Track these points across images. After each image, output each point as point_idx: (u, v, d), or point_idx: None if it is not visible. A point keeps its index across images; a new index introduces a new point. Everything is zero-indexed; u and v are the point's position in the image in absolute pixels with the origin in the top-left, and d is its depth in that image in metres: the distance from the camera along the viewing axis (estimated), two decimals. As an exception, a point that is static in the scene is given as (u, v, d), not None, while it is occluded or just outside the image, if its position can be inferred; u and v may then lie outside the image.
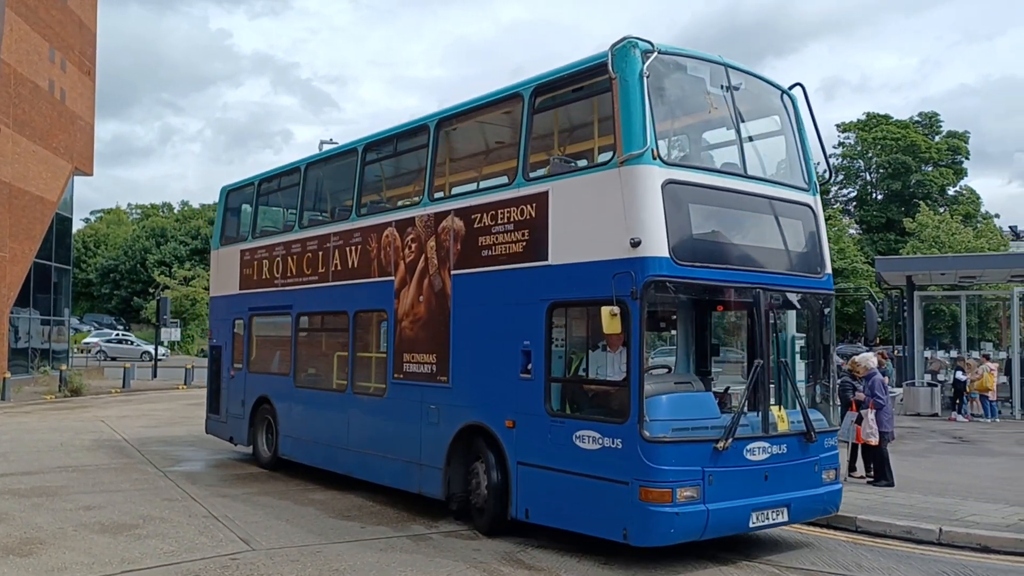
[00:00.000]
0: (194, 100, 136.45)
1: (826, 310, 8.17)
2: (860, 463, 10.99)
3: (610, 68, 7.07)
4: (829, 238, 9.67)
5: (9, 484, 10.60)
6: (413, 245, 9.39)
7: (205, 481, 11.26)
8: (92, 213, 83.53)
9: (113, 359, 41.48)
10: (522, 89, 8.16)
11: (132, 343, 46.80)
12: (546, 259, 7.66)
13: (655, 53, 7.08)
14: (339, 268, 10.74)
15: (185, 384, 29.55)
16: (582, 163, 8.21)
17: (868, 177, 54.15)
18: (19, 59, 24.27)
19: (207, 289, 53.53)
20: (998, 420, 19.04)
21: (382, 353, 9.93)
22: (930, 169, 52.46)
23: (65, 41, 27.14)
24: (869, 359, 10.93)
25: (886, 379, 11.77)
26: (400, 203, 9.94)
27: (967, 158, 54.21)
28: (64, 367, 27.58)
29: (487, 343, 8.31)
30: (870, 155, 54.31)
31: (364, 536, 8.27)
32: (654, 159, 6.94)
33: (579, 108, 8.30)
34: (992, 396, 19.17)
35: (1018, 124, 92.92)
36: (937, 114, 55.89)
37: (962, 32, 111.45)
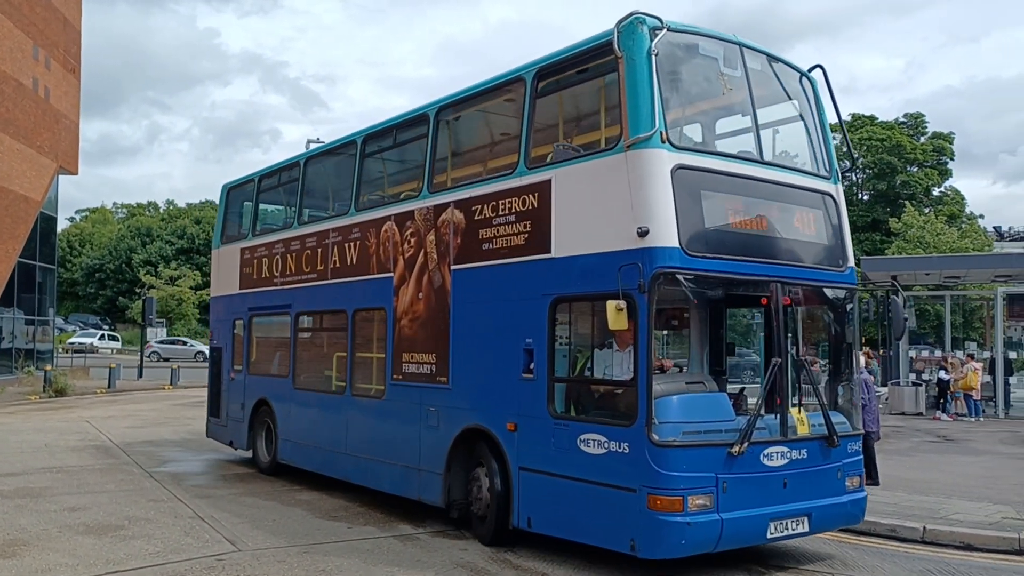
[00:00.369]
0: (182, 99, 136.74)
1: (848, 305, 7.66)
2: None
3: (616, 46, 6.62)
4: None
5: (-8, 485, 10.41)
6: (412, 240, 8.98)
7: (191, 482, 11.13)
8: (77, 212, 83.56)
9: (166, 360, 41.47)
10: (524, 73, 7.72)
11: (186, 343, 46.46)
12: (549, 251, 7.21)
13: (664, 30, 6.61)
14: (338, 265, 10.34)
15: (171, 384, 29.44)
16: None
17: (854, 178, 53.80)
18: (2, 57, 24.01)
19: (193, 289, 54.17)
20: (982, 419, 19.27)
21: (381, 353, 9.51)
22: (915, 170, 52.23)
23: (49, 39, 26.97)
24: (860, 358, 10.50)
25: (871, 378, 11.56)
26: (399, 196, 9.52)
27: (952, 159, 54.06)
28: (49, 367, 27.43)
29: (488, 342, 7.87)
30: (856, 156, 53.97)
31: (351, 536, 8.17)
32: (663, 143, 6.47)
33: (584, 92, 7.83)
34: (976, 395, 19.41)
35: (1002, 125, 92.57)
36: (922, 115, 55.54)
37: (948, 34, 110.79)
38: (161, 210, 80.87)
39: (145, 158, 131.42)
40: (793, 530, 6.77)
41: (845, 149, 8.04)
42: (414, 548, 7.74)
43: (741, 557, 7.22)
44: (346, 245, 10.16)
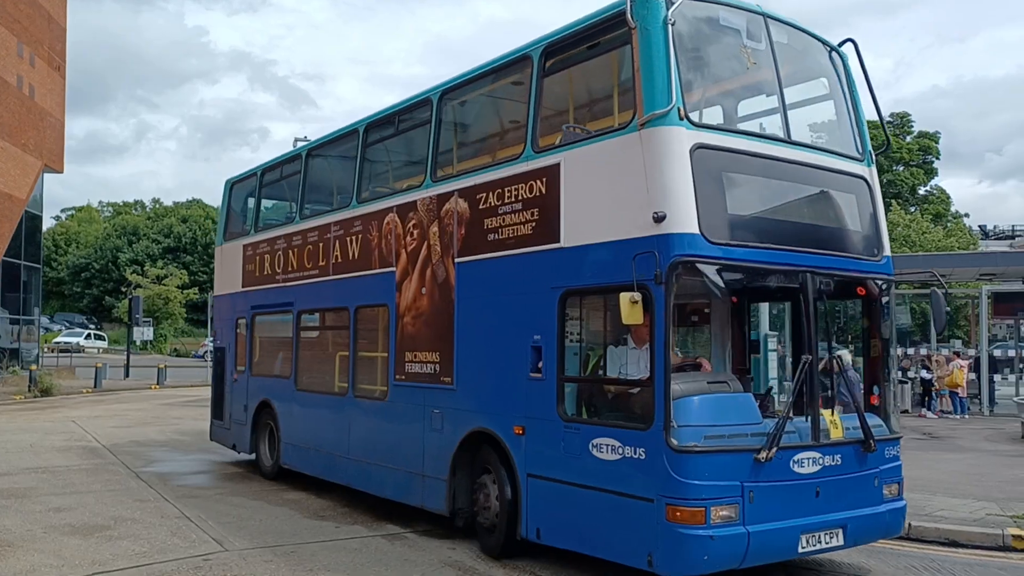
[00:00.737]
0: (169, 97, 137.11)
1: (884, 299, 7.05)
2: None
3: (629, 17, 6.06)
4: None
5: (-24, 486, 10.29)
6: (415, 232, 8.47)
7: (178, 482, 10.99)
8: (63, 211, 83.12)
9: None
10: (531, 50, 7.18)
11: None
12: (558, 241, 6.67)
13: None
14: (339, 260, 9.86)
15: (158, 384, 29.35)
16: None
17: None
18: (-15, 54, 23.87)
19: (180, 288, 53.99)
20: (967, 416, 19.39)
21: (384, 353, 9.01)
22: (901, 169, 51.58)
23: (34, 36, 26.72)
24: (844, 356, 9.91)
25: (857, 376, 10.99)
26: (402, 187, 9.02)
27: (938, 158, 53.38)
28: (34, 367, 27.24)
29: (494, 339, 7.35)
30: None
31: (339, 536, 8.10)
32: (681, 119, 5.91)
33: (596, 69, 7.27)
34: (962, 393, 19.59)
35: (988, 125, 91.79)
36: (909, 114, 54.71)
37: (935, 35, 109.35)
38: (147, 209, 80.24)
39: (132, 156, 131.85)
40: (827, 543, 6.17)
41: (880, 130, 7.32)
42: (402, 547, 7.65)
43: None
44: (348, 239, 9.68)
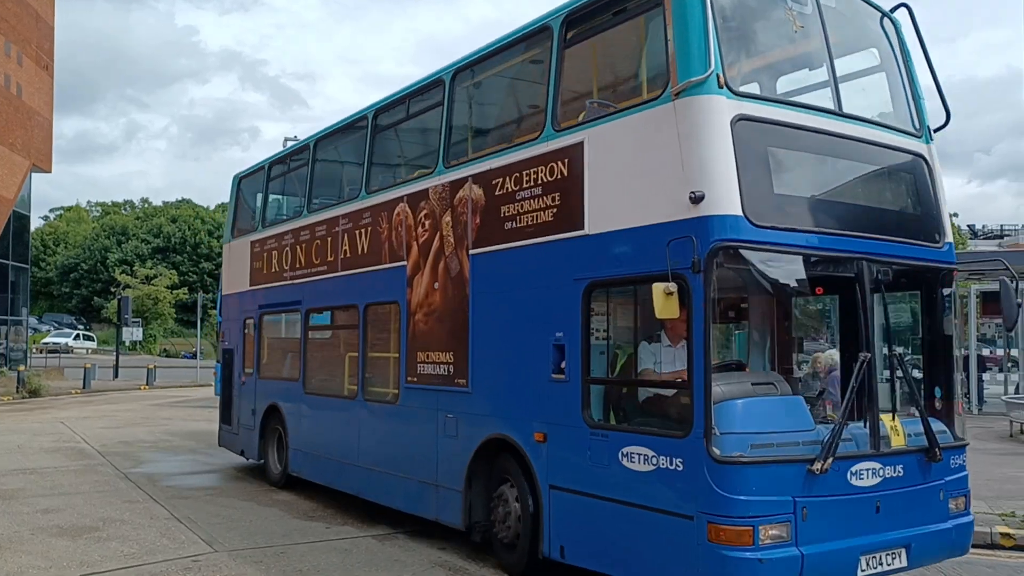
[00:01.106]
0: (160, 96, 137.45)
1: (946, 290, 6.33)
2: None
3: (660, -26, 5.41)
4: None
5: (-37, 488, 10.20)
6: (427, 222, 7.86)
7: (167, 483, 10.87)
8: (52, 211, 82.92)
9: None
10: (550, 20, 6.54)
11: None
12: (582, 228, 6.02)
13: None
14: (348, 255, 9.27)
15: (147, 384, 29.26)
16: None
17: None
18: (-28, 53, 23.63)
19: (169, 288, 53.73)
20: None
21: (395, 353, 8.40)
22: None
23: (21, 35, 26.44)
24: (833, 355, 9.15)
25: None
26: (413, 175, 8.41)
27: None
28: (22, 368, 27.00)
29: (512, 337, 6.72)
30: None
31: (329, 536, 8.05)
32: (720, 87, 5.24)
33: (623, 38, 6.60)
34: None
35: (978, 125, 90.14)
36: None
37: (925, 36, 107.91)
38: (136, 208, 79.86)
39: (122, 156, 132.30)
40: (888, 565, 5.45)
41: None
42: (392, 547, 7.61)
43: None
44: (356, 232, 9.09)
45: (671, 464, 5.19)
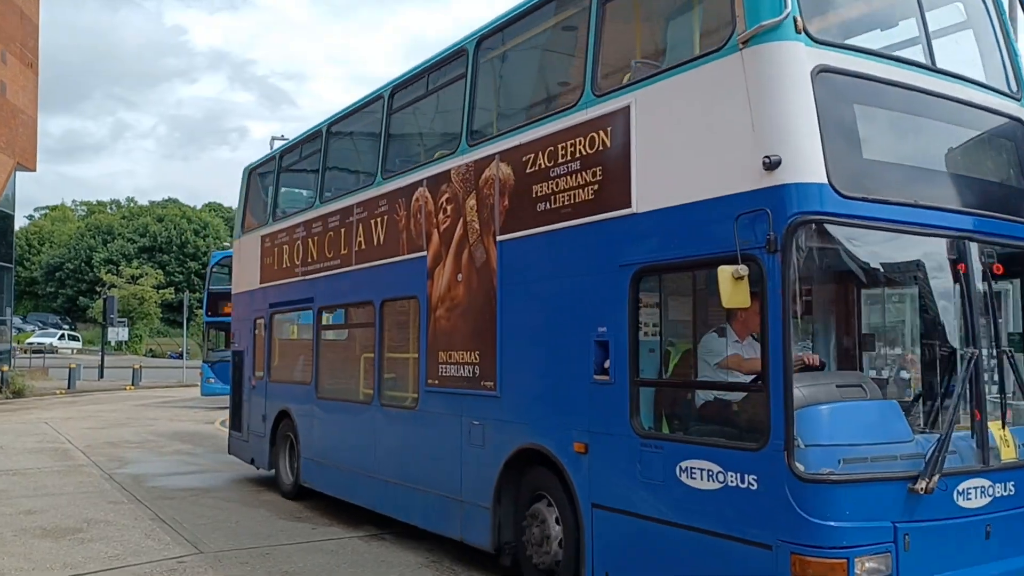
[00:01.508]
0: (147, 96, 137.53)
1: None
2: None
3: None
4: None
5: (-55, 490, 10.19)
6: (449, 207, 7.07)
7: (152, 483, 10.78)
8: (36, 210, 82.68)
9: None
10: (589, -30, 5.73)
11: None
12: (628, 206, 5.20)
13: None
14: (363, 247, 8.50)
15: (132, 385, 29.16)
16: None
17: None
18: (-45, 51, 23.12)
19: (155, 288, 53.33)
20: None
21: (414, 353, 7.62)
22: None
23: (5, 32, 25.92)
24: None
25: None
26: (433, 156, 7.63)
27: None
28: (6, 368, 26.63)
29: (546, 333, 5.91)
30: None
31: (315, 537, 7.97)
32: (797, 32, 4.41)
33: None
34: None
35: None
36: None
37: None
38: (122, 207, 79.41)
39: (110, 155, 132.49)
40: None
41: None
42: (379, 548, 7.53)
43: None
44: (372, 222, 8.32)
45: (743, 482, 4.35)
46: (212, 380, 23.43)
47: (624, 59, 5.68)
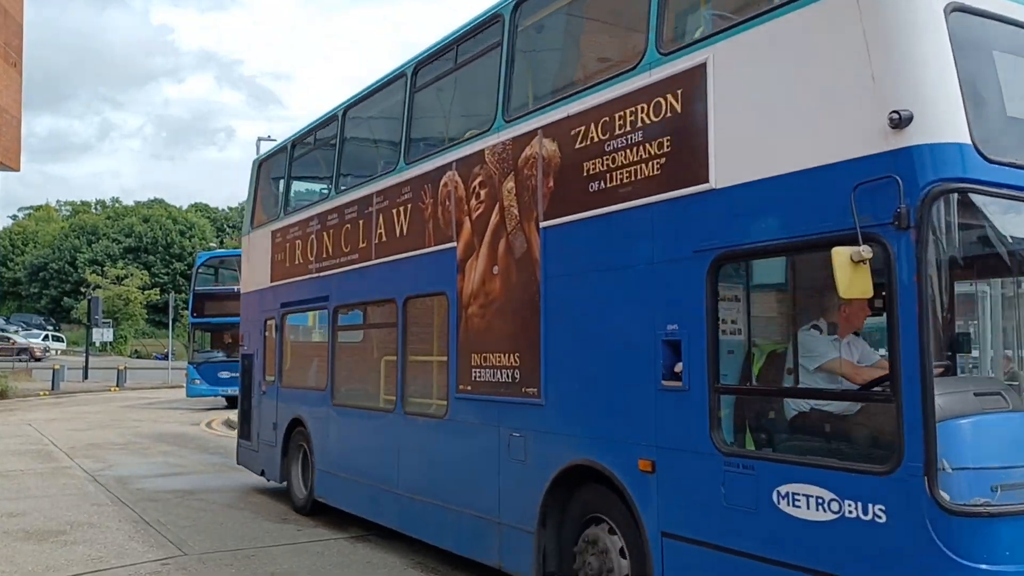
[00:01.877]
0: (134, 95, 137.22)
1: None
2: None
3: None
4: None
5: (-76, 492, 10.29)
6: (482, 192, 6.29)
7: (137, 485, 10.72)
8: (20, 210, 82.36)
9: None
10: (651, -89, 4.93)
11: None
12: (705, 180, 4.40)
13: None
14: (384, 239, 7.73)
15: (117, 386, 29.09)
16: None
17: None
18: (-64, 50, 22.55)
19: (141, 289, 52.79)
20: None
21: (443, 356, 6.84)
22: None
23: None
24: None
25: None
26: (463, 137, 6.85)
27: None
28: None
29: (601, 332, 5.12)
30: None
31: (301, 539, 7.94)
32: (927, -37, 3.61)
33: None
34: None
35: None
36: None
37: None
38: (107, 207, 78.93)
39: (96, 155, 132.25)
40: None
41: None
42: (365, 549, 7.50)
43: None
44: (394, 212, 7.55)
45: (865, 513, 3.53)
46: (198, 381, 23.36)
47: (694, 9, 4.88)
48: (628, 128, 4.92)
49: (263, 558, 7.13)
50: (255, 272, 11.02)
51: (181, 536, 7.85)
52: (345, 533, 8.02)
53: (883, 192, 3.47)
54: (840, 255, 3.45)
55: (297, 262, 9.62)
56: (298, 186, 10.49)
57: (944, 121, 3.47)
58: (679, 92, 4.60)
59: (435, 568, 6.74)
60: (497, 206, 6.11)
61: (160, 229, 64.57)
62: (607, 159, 5.08)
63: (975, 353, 5.00)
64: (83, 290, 49.55)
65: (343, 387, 8.63)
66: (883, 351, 4.09)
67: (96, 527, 8.20)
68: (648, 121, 4.78)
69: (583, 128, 5.29)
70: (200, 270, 25.97)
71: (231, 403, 24.33)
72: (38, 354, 39.05)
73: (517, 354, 5.83)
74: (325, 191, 9.37)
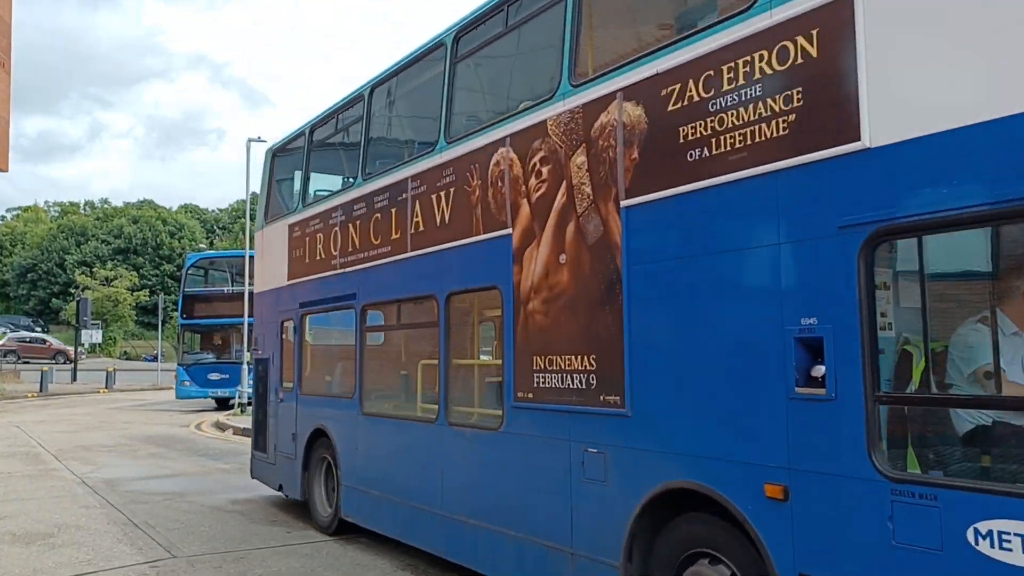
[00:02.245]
0: (124, 96, 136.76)
1: None
2: None
3: None
4: None
5: (-89, 496, 10.33)
6: (544, 169, 5.44)
7: (126, 487, 10.68)
8: (9, 211, 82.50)
9: None
10: None
11: None
12: (855, 139, 3.55)
13: None
14: (421, 228, 6.88)
15: (106, 387, 29.14)
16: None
17: None
18: (-80, 48, 21.95)
19: (130, 290, 52.27)
20: None
21: (496, 360, 6.00)
22: None
23: None
24: None
25: None
26: (517, 108, 6.01)
27: None
28: None
29: (707, 328, 4.26)
30: None
31: (290, 540, 7.91)
32: None
33: None
34: None
35: None
36: None
37: None
38: (96, 208, 78.75)
39: (85, 156, 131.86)
40: None
41: None
42: (355, 551, 7.46)
43: None
44: (433, 197, 6.71)
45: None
46: (187, 383, 23.35)
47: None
48: (743, 81, 4.07)
49: (253, 560, 7.10)
50: (270, 270, 10.18)
51: (170, 539, 7.82)
52: (335, 535, 7.97)
53: None
54: None
55: (319, 257, 8.78)
56: (318, 175, 9.63)
57: None
58: (813, 32, 3.75)
59: (425, 571, 6.71)
60: (563, 185, 5.26)
61: (150, 230, 64.41)
62: (712, 121, 4.23)
63: None
64: (72, 291, 49.41)
65: (374, 394, 7.79)
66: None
67: (84, 530, 8.16)
68: (771, 69, 3.93)
69: (678, 86, 4.44)
70: (190, 271, 25.56)
71: (221, 405, 23.79)
72: (72, 356, 38.56)
73: (592, 356, 4.97)
74: (350, 179, 8.53)
